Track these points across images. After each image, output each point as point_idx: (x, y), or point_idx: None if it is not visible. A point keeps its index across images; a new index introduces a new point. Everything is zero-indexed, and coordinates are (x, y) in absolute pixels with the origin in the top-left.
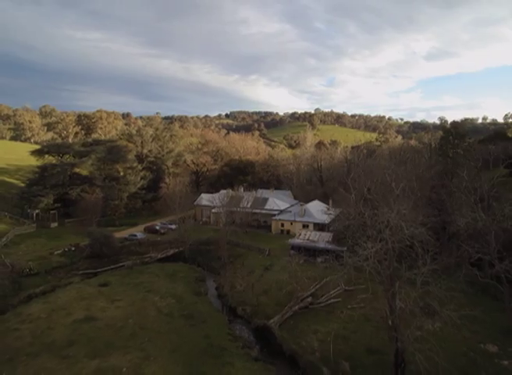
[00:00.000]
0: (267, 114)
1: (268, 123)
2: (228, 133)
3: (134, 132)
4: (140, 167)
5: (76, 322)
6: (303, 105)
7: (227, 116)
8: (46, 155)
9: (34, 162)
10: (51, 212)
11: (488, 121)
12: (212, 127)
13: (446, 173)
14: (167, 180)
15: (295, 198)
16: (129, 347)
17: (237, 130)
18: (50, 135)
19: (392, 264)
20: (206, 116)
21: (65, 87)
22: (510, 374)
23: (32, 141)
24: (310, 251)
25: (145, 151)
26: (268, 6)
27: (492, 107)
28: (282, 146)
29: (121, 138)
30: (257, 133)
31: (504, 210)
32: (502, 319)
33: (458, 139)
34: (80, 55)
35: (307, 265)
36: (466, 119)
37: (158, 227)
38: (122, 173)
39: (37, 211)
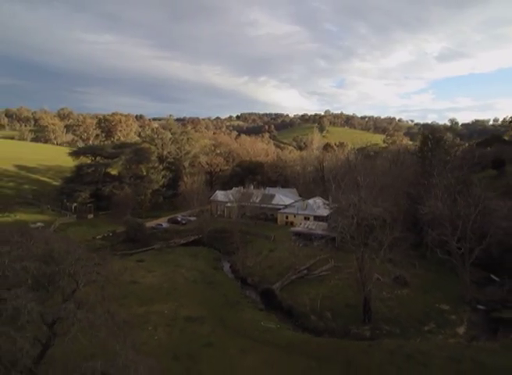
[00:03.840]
0: (277, 116)
1: (278, 125)
2: (239, 135)
3: (156, 135)
4: (161, 167)
5: (125, 284)
6: (313, 107)
7: (238, 117)
8: (81, 156)
9: (61, 162)
10: (88, 205)
11: (499, 123)
12: (223, 129)
13: (423, 172)
14: (185, 179)
15: (300, 195)
16: (167, 300)
17: (248, 131)
18: (70, 137)
19: (360, 235)
20: (217, 118)
21: (77, 89)
22: (454, 324)
23: (55, 142)
24: (308, 237)
25: (165, 152)
26: (277, 8)
27: (506, 108)
28: (290, 148)
29: (144, 141)
30: (267, 135)
31: (461, 203)
32: (458, 289)
33: (435, 143)
34: (91, 58)
35: (306, 247)
36: (477, 121)
37: (179, 219)
38: (145, 173)
39: (75, 204)
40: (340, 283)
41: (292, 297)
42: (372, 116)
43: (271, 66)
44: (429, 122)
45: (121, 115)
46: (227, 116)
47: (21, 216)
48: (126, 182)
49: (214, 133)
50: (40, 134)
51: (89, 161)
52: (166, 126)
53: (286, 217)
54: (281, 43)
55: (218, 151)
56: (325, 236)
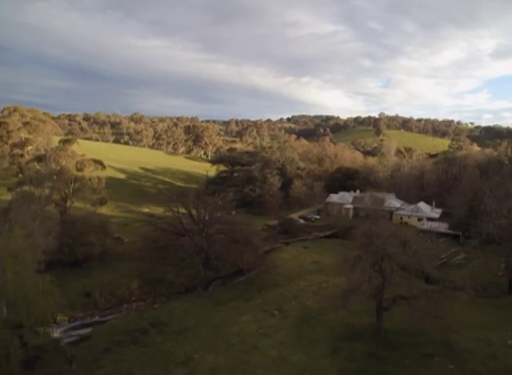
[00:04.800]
0: (328, 118)
1: (331, 128)
2: (298, 138)
3: (268, 145)
4: (274, 172)
5: (307, 264)
6: (359, 107)
7: (288, 119)
8: (221, 164)
9: (167, 165)
10: (233, 203)
11: None
12: (276, 131)
13: None
14: (296, 182)
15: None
16: (329, 272)
17: (301, 134)
18: (151, 141)
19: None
20: (268, 120)
21: (126, 92)
22: None
23: (146, 146)
24: (432, 234)
25: (273, 158)
26: (319, 8)
27: None
28: (358, 152)
29: (263, 149)
30: (327, 138)
31: None
32: None
33: None
34: (140, 62)
35: (434, 242)
36: None
37: (309, 216)
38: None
39: (220, 202)
40: (476, 269)
41: (444, 276)
42: (429, 119)
43: (313, 66)
44: (488, 124)
45: (201, 122)
46: (278, 118)
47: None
48: (258, 185)
49: (296, 140)
50: (119, 137)
51: (222, 167)
52: (274, 137)
53: (401, 218)
54: (324, 43)
55: (310, 157)
56: (448, 234)
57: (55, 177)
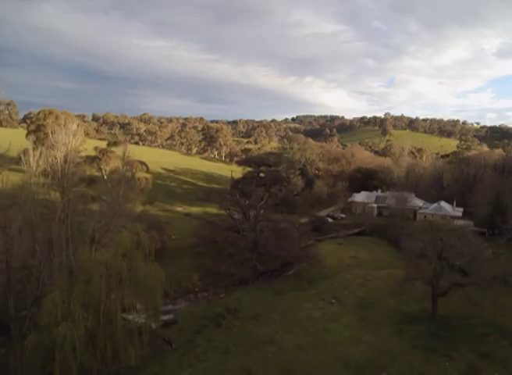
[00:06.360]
0: (333, 118)
1: (337, 128)
2: (306, 138)
3: (288, 146)
4: (297, 172)
5: (346, 258)
6: (362, 107)
7: (293, 120)
8: (246, 165)
9: (186, 165)
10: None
11: None
12: (281, 131)
13: None
14: (317, 182)
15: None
16: (385, 267)
17: (306, 134)
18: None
19: None
20: (273, 120)
21: (131, 92)
22: None
23: (160, 146)
24: None
25: (294, 159)
26: (323, 7)
27: None
28: (368, 152)
29: (284, 150)
30: (335, 139)
31: None
32: None
33: None
34: (144, 62)
35: None
36: None
37: (335, 215)
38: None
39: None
40: (504, 262)
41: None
42: (435, 119)
43: (317, 66)
44: (493, 124)
45: (213, 123)
46: (282, 118)
47: (211, 210)
48: (284, 185)
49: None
50: (129, 137)
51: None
52: (294, 138)
53: (425, 216)
54: (327, 42)
55: (328, 158)
56: (475, 231)
57: (106, 178)
